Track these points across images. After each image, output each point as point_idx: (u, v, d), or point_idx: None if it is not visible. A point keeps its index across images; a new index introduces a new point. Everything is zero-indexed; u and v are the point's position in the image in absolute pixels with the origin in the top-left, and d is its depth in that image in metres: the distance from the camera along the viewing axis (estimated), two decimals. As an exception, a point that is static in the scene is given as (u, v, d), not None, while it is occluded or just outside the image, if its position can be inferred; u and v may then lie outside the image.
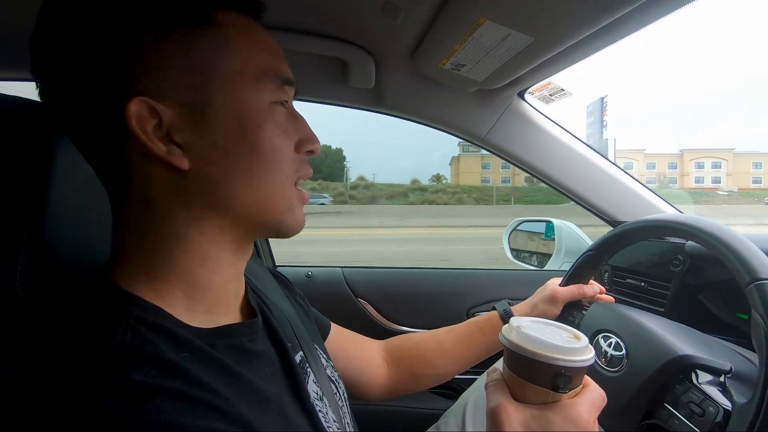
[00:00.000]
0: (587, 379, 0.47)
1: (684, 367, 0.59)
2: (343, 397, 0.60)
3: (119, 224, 0.43)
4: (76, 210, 0.50)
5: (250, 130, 0.41)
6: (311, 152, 0.48)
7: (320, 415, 0.49)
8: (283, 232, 0.47)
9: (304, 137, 0.46)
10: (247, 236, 0.46)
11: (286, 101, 0.45)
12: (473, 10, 0.59)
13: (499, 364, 0.53)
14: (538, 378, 0.44)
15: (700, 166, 52.91)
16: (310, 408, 0.47)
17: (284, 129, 0.44)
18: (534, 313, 0.83)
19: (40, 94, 0.42)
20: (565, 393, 0.43)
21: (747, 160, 54.45)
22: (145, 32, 0.38)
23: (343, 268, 1.27)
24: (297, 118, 0.47)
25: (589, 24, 0.59)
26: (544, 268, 1.38)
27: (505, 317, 0.82)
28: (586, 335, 0.47)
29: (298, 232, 0.48)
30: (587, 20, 0.59)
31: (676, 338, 0.62)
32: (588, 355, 0.44)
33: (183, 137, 0.39)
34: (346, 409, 0.59)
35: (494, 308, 0.85)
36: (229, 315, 0.46)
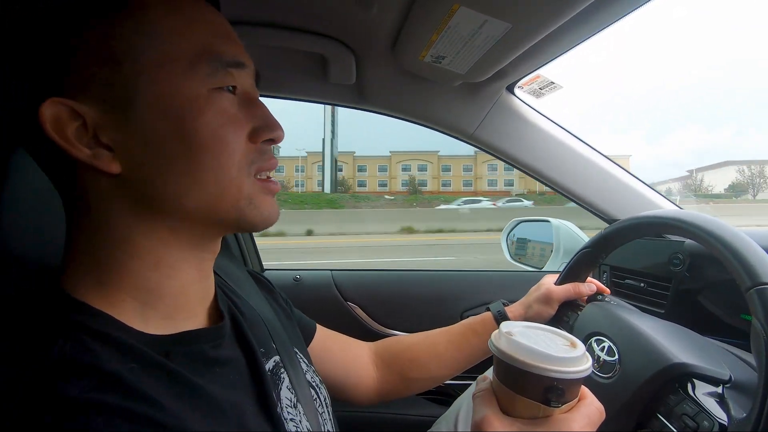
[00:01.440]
0: (585, 391, 0.43)
1: (679, 376, 0.55)
2: (324, 402, 0.57)
3: (69, 232, 0.41)
4: (33, 215, 0.49)
5: (183, 122, 0.37)
6: (272, 140, 0.43)
7: (291, 423, 0.46)
8: (246, 227, 0.43)
9: (262, 125, 0.41)
10: (207, 234, 0.43)
11: (234, 87, 0.41)
12: (446, -4, 0.56)
13: (490, 372, 0.51)
14: (528, 390, 0.40)
15: (406, 168, 50.90)
16: (276, 417, 0.44)
17: (231, 117, 0.40)
18: (528, 313, 0.80)
19: None
20: (558, 407, 0.40)
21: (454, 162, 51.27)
22: (56, 25, 0.35)
23: (333, 271, 1.24)
24: (252, 105, 0.42)
25: (565, 9, 0.56)
26: (542, 269, 1.34)
27: (499, 318, 0.79)
28: (580, 337, 0.44)
29: (266, 226, 0.43)
30: (564, 5, 0.55)
31: (672, 344, 0.58)
32: (584, 366, 0.40)
33: (110, 137, 0.36)
34: (327, 416, 0.56)
35: (488, 309, 0.82)
36: (193, 320, 0.44)
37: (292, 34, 0.80)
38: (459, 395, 0.83)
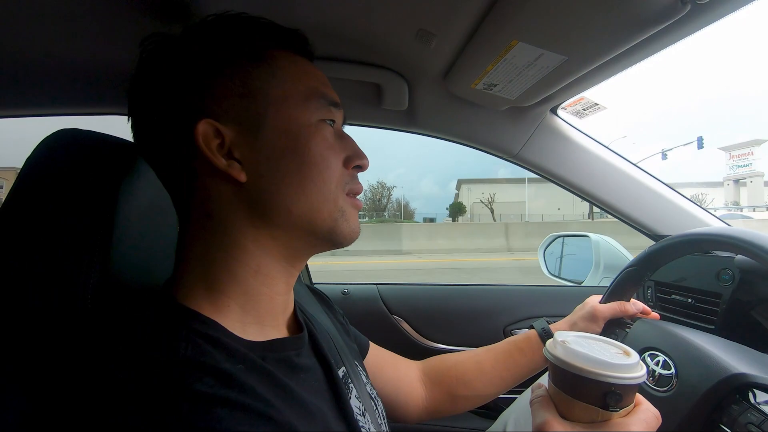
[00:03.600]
0: (639, 397, 0.45)
1: (740, 386, 0.56)
2: (382, 415, 0.60)
3: (183, 241, 0.47)
4: (139, 234, 0.55)
5: (298, 143, 0.46)
6: (360, 167, 0.51)
7: (363, 430, 0.49)
8: (337, 239, 0.49)
9: (353, 154, 0.50)
10: (300, 247, 0.48)
11: (334, 121, 0.50)
12: (506, 33, 0.61)
13: (544, 380, 0.52)
14: (587, 395, 0.42)
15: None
16: (353, 423, 0.48)
17: (331, 145, 0.48)
18: (574, 331, 0.81)
19: (132, 128, 0.49)
20: (616, 411, 0.42)
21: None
22: (211, 69, 0.45)
23: (378, 285, 1.28)
24: (345, 138, 0.51)
25: (621, 43, 0.60)
26: (581, 284, 1.35)
27: (544, 336, 0.80)
28: None
29: (353, 239, 0.50)
30: (619, 40, 0.59)
31: (729, 356, 0.60)
32: (640, 372, 0.42)
33: (241, 153, 0.45)
34: (385, 427, 0.59)
35: (532, 326, 0.83)
36: (277, 329, 0.49)
37: (352, 66, 0.87)
38: (504, 409, 0.85)
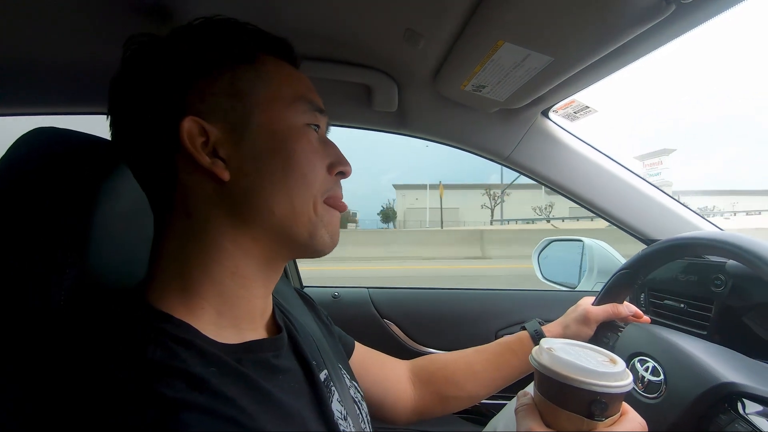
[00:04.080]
0: (626, 406, 0.45)
1: (729, 395, 0.55)
2: (366, 419, 0.59)
3: (159, 241, 0.46)
4: (120, 235, 0.54)
5: (283, 145, 0.46)
6: (342, 174, 0.51)
7: None
8: (316, 246, 0.48)
9: (336, 160, 0.50)
10: (280, 251, 0.48)
11: (318, 126, 0.50)
12: (491, 33, 0.60)
13: (530, 388, 0.52)
14: (572, 404, 0.42)
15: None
16: (334, 426, 0.47)
17: (315, 149, 0.48)
18: (566, 333, 0.80)
19: (111, 126, 0.48)
20: (601, 420, 0.41)
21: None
22: (199, 69, 0.45)
23: (369, 289, 1.27)
24: (329, 144, 0.51)
25: (606, 44, 0.60)
26: (575, 289, 1.34)
27: (536, 337, 0.80)
28: (622, 358, 0.45)
29: (330, 248, 0.50)
30: (605, 40, 0.59)
31: (720, 364, 0.59)
32: (626, 381, 0.42)
33: (225, 152, 0.44)
34: (369, 430, 0.58)
35: (524, 328, 0.82)
36: (255, 331, 0.48)
37: (340, 67, 0.86)
38: (494, 414, 0.84)
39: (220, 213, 0.45)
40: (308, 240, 0.47)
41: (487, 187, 44.11)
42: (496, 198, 42.20)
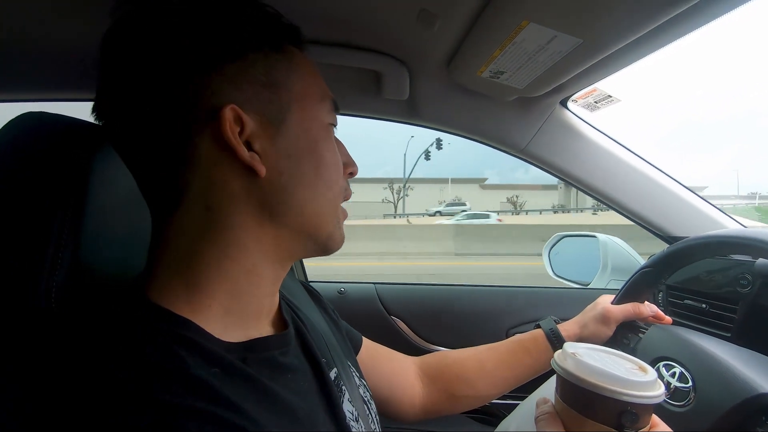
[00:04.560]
0: (655, 418, 0.42)
1: (766, 407, 0.51)
2: (375, 419, 0.57)
3: (163, 234, 0.42)
4: (112, 228, 0.51)
5: (317, 144, 0.45)
6: (352, 174, 0.51)
7: None
8: (331, 246, 0.48)
9: (347, 160, 0.50)
10: (296, 250, 0.47)
11: (335, 125, 0.49)
12: (515, 12, 0.56)
13: (546, 393, 0.49)
14: (600, 414, 0.39)
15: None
16: (345, 429, 0.45)
17: (336, 150, 0.48)
18: (584, 332, 0.77)
19: (96, 109, 0.43)
20: None
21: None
22: (233, 49, 0.40)
23: (377, 285, 1.24)
24: (339, 143, 0.50)
25: (641, 25, 0.55)
26: (588, 287, 1.30)
27: (552, 336, 0.77)
28: (645, 362, 0.43)
29: (339, 247, 0.49)
30: (639, 21, 0.54)
31: (755, 372, 0.55)
32: (658, 391, 0.39)
33: (261, 146, 0.41)
34: None
35: (538, 326, 0.79)
36: (260, 328, 0.46)
37: (349, 52, 0.81)
38: (505, 416, 0.81)
39: (248, 210, 0.42)
40: (326, 240, 0.47)
41: (390, 182, 43.87)
42: (399, 192, 41.94)
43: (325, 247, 0.48)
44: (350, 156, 0.51)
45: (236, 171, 0.41)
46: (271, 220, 0.43)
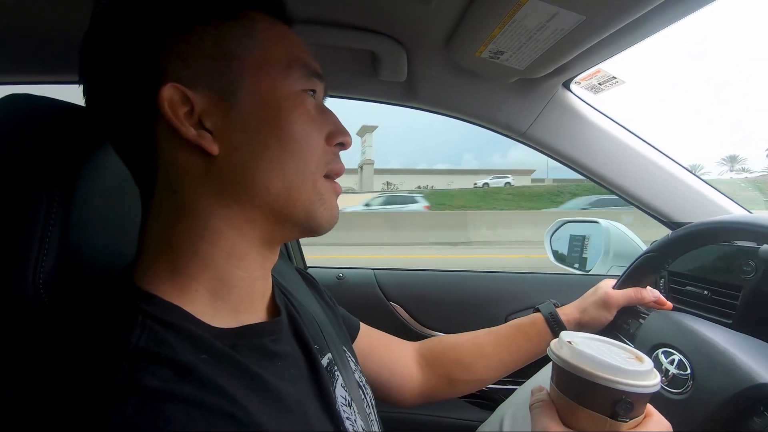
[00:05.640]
0: (650, 407, 0.42)
1: (766, 397, 0.51)
2: (370, 403, 0.57)
3: (146, 221, 0.42)
4: (103, 214, 0.50)
5: (278, 115, 0.41)
6: (342, 145, 0.47)
7: (348, 422, 0.46)
8: (315, 225, 0.45)
9: (335, 130, 0.46)
10: (277, 231, 0.44)
11: (315, 92, 0.45)
12: (515, -13, 0.53)
13: (542, 380, 0.49)
14: (595, 403, 0.39)
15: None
16: (336, 414, 0.45)
17: (313, 119, 0.44)
18: (584, 317, 0.76)
19: (84, 93, 0.43)
20: (625, 422, 0.39)
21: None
22: (177, 23, 0.39)
23: (375, 270, 1.23)
24: (326, 112, 0.47)
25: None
26: (589, 272, 1.29)
27: (551, 320, 0.76)
28: (644, 348, 0.42)
29: (331, 226, 0.46)
30: None
31: (755, 361, 0.54)
32: (654, 381, 0.39)
33: (213, 123, 0.40)
34: (374, 417, 0.56)
35: (537, 310, 0.79)
36: (254, 314, 0.45)
37: (343, 32, 0.79)
38: (502, 400, 0.81)
39: (209, 191, 0.40)
40: (306, 219, 0.44)
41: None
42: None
43: (309, 227, 0.45)
44: (340, 125, 0.47)
45: (191, 152, 0.40)
46: (237, 200, 0.41)
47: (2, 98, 0.48)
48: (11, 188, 0.43)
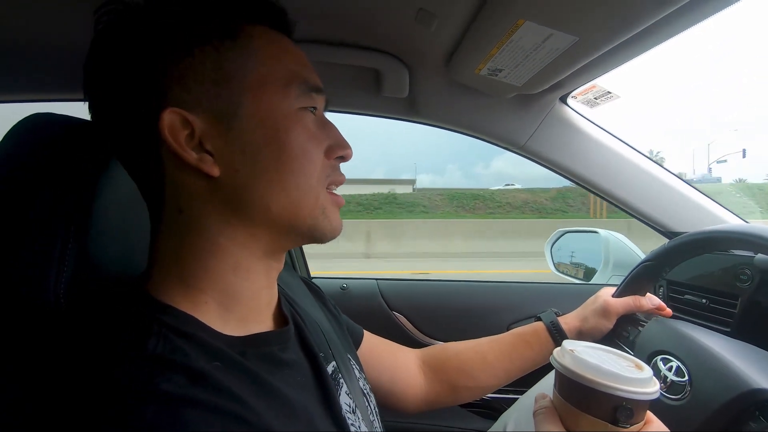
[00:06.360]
0: (650, 414, 0.43)
1: (760, 402, 0.52)
2: (374, 411, 0.58)
3: (156, 236, 0.44)
4: (118, 225, 0.52)
5: (277, 134, 0.42)
6: (342, 158, 0.47)
7: (352, 429, 0.47)
8: (318, 236, 0.46)
9: (335, 143, 0.46)
10: (281, 243, 0.46)
11: (315, 108, 0.46)
12: (512, 11, 0.56)
13: (544, 388, 0.50)
14: (596, 409, 0.40)
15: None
16: (341, 420, 0.46)
17: (313, 134, 0.44)
18: (585, 326, 0.77)
19: (90, 112, 0.44)
20: (626, 427, 0.40)
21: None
22: (176, 47, 0.40)
23: (378, 281, 1.25)
24: (327, 125, 0.47)
25: (637, 22, 0.55)
26: (590, 282, 1.30)
27: (552, 329, 0.77)
28: (643, 355, 0.43)
29: (334, 236, 0.47)
30: (635, 18, 0.54)
31: (751, 367, 0.55)
32: (653, 388, 0.40)
33: (214, 145, 0.40)
34: (377, 424, 0.57)
35: (539, 318, 0.80)
36: (262, 323, 0.46)
37: (348, 51, 0.82)
38: (505, 410, 0.81)
39: (214, 210, 0.42)
40: (309, 231, 0.45)
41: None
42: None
43: (312, 238, 0.46)
44: (340, 138, 0.47)
45: (194, 174, 0.41)
46: (239, 219, 0.42)
47: (26, 118, 0.51)
48: (36, 202, 0.45)
